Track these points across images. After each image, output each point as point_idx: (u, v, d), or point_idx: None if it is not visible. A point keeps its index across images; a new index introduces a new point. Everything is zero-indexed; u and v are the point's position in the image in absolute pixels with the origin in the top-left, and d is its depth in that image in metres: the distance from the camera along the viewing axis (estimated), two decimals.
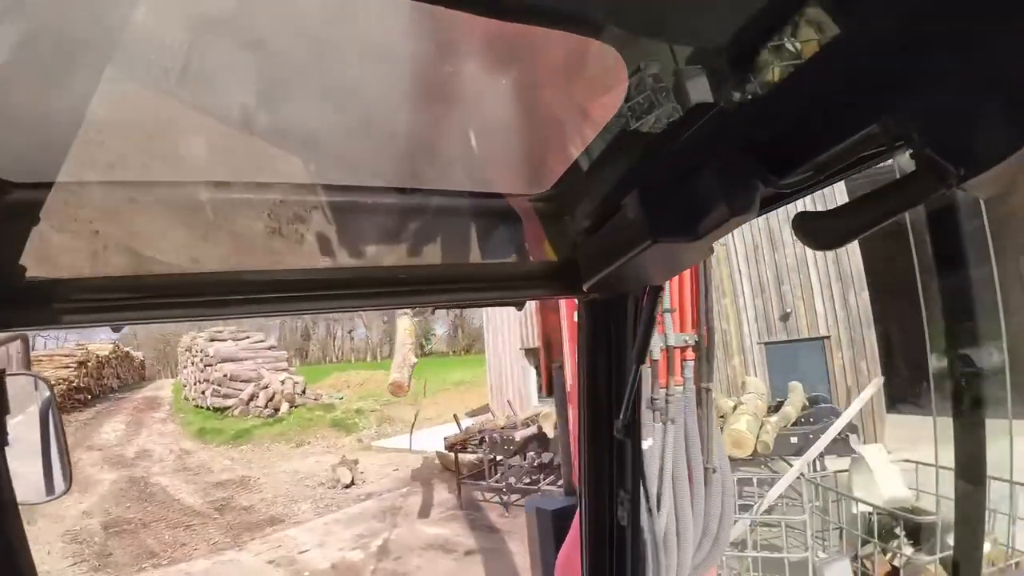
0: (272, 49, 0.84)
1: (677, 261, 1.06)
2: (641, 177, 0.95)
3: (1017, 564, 4.20)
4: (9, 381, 1.08)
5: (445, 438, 11.49)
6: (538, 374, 14.83)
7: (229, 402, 19.59)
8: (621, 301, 1.33)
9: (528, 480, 10.21)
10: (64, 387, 19.79)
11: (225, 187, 1.07)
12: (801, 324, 10.86)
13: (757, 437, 6.92)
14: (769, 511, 6.14)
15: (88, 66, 0.78)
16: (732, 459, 6.95)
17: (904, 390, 10.95)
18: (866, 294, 10.22)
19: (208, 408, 20.02)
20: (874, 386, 7.43)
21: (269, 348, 22.95)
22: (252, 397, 19.40)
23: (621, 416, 1.37)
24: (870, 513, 5.14)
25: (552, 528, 2.77)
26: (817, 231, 0.75)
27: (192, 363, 21.69)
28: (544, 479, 10.25)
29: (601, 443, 1.45)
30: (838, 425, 6.69)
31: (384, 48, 0.86)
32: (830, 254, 9.98)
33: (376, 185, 1.18)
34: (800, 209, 0.77)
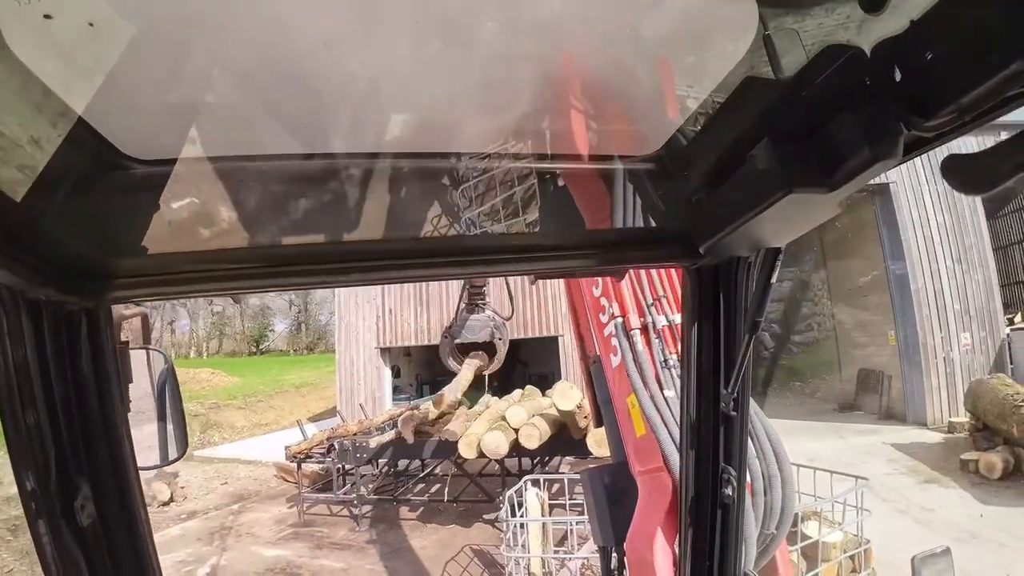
0: (376, 17, 0.85)
1: (805, 217, 0.98)
2: (768, 127, 0.87)
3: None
4: (132, 354, 1.17)
5: (287, 447, 10.40)
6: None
7: None
8: (731, 266, 1.27)
9: (387, 488, 9.65)
10: None
11: (330, 158, 1.10)
12: None
13: None
14: None
15: (202, 53, 0.85)
16: (596, 458, 7.21)
17: None
18: None
19: None
20: None
21: None
22: None
23: (729, 388, 1.34)
24: None
25: (602, 486, 2.84)
26: (969, 173, 0.72)
27: None
28: (399, 487, 9.75)
29: (706, 417, 1.41)
30: None
31: (489, 9, 0.87)
32: None
33: (473, 151, 1.18)
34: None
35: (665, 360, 2.49)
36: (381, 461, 9.72)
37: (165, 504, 10.70)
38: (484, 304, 3.65)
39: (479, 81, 1.02)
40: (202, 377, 22.40)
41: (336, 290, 15.05)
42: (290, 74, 0.93)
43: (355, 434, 10.07)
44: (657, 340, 2.53)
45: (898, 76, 0.75)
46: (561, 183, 1.27)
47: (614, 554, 2.82)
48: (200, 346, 40.86)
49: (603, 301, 2.74)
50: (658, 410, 2.38)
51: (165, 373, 1.36)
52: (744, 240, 1.11)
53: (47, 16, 0.69)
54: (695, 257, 1.21)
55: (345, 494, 9.60)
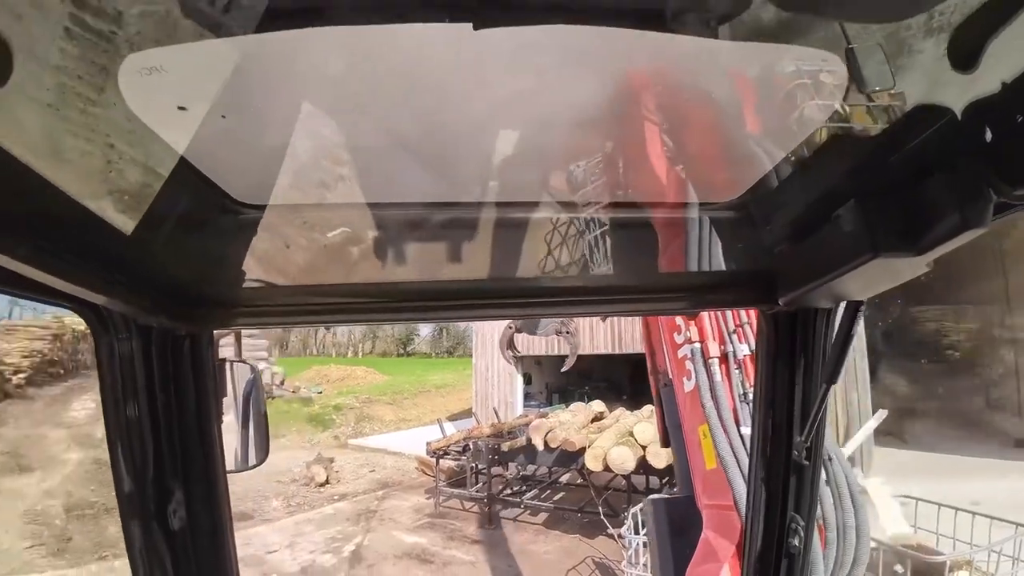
0: (456, 75, 0.89)
1: (889, 276, 0.96)
2: (855, 185, 0.88)
3: None
4: (226, 368, 1.29)
5: (428, 443, 11.17)
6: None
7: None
8: (811, 314, 1.26)
9: (510, 492, 9.94)
10: (37, 360, 18.96)
11: (420, 207, 1.17)
12: None
13: None
14: None
15: (299, 107, 0.91)
16: None
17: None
18: None
19: None
20: (877, 418, 7.28)
21: (249, 336, 22.40)
22: None
23: (803, 437, 1.31)
24: (874, 549, 4.96)
25: (666, 517, 2.86)
26: None
27: None
28: (527, 492, 9.97)
29: (777, 464, 1.39)
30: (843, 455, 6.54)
31: (574, 59, 0.88)
32: None
33: (557, 200, 1.21)
34: None
35: (744, 394, 2.32)
36: (512, 464, 10.02)
37: (320, 485, 12.00)
38: None
39: (569, 129, 1.05)
40: (358, 374, 24.83)
41: None
42: (389, 128, 1.00)
43: (488, 436, 10.53)
44: (737, 371, 2.36)
45: (989, 138, 0.73)
46: (640, 227, 1.30)
47: None
48: (356, 347, 45.35)
49: (679, 321, 2.60)
50: (732, 447, 2.24)
51: (251, 384, 1.45)
52: (826, 294, 1.10)
53: (158, 69, 0.74)
54: (770, 304, 1.21)
55: (477, 492, 10.04)
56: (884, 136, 0.83)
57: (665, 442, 3.35)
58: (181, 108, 0.81)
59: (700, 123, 1.06)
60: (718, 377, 2.38)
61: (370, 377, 24.22)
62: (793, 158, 1.01)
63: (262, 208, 1.06)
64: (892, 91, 0.79)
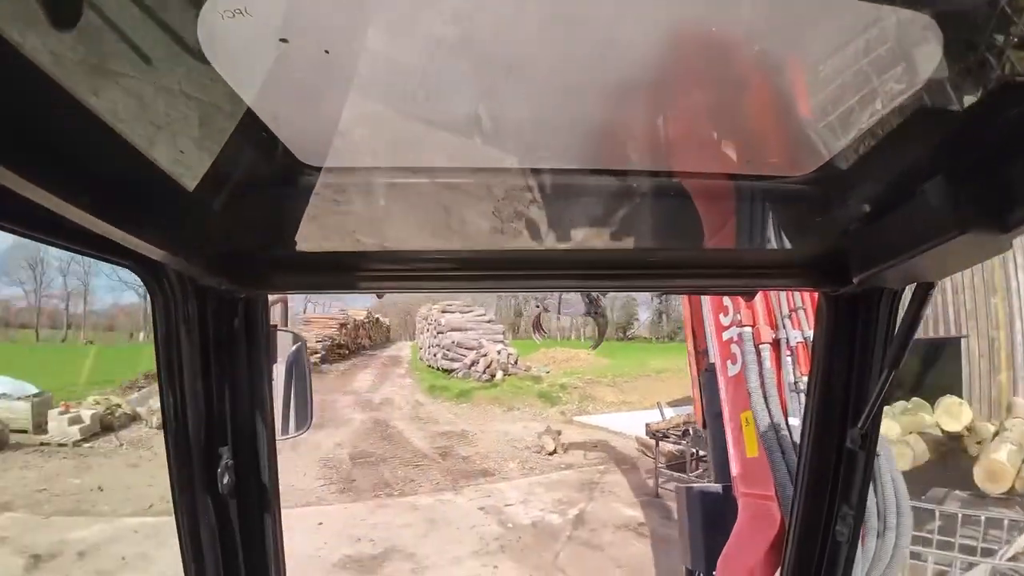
0: (522, 36, 0.86)
1: (971, 255, 0.93)
2: (942, 161, 0.85)
3: None
4: (277, 336, 1.29)
5: (647, 424, 11.49)
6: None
7: (455, 365, 22.37)
8: (876, 298, 1.21)
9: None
10: (329, 343, 24.66)
11: (465, 173, 1.14)
12: None
13: (1018, 472, 5.60)
14: (1015, 558, 4.97)
15: (379, 72, 0.90)
16: (983, 496, 5.76)
17: None
18: None
19: (438, 368, 23.11)
20: None
21: (488, 321, 25.42)
22: (473, 363, 21.92)
23: (860, 424, 1.26)
24: None
25: (700, 509, 2.74)
26: None
27: (427, 330, 25.10)
28: None
29: (828, 451, 1.34)
30: None
31: (640, 17, 0.83)
32: None
33: (619, 168, 1.16)
34: None
35: (795, 383, 2.17)
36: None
37: (550, 454, 13.23)
38: None
39: (637, 96, 0.98)
40: (581, 356, 26.04)
41: None
42: (458, 93, 0.96)
43: None
44: (789, 358, 2.20)
45: None
46: (705, 200, 1.23)
47: None
48: (579, 331, 47.29)
49: (726, 301, 2.45)
50: (778, 437, 2.10)
51: (296, 353, 1.45)
52: (901, 273, 1.06)
53: (242, 13, 0.70)
54: (838, 285, 1.18)
55: (696, 478, 10.05)
56: (973, 110, 0.80)
57: (704, 422, 3.25)
58: (282, 40, 0.77)
59: (774, 91, 0.98)
60: (768, 364, 2.23)
61: (592, 360, 25.22)
62: (875, 131, 0.94)
63: (326, 171, 1.05)
64: (985, 66, 0.76)
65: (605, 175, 1.17)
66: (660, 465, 10.84)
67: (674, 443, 11.06)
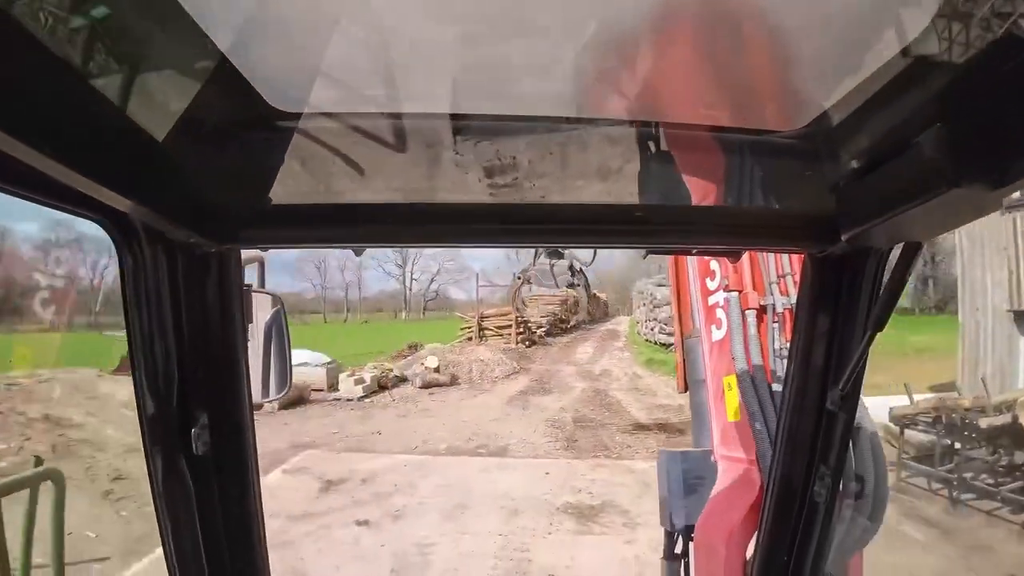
0: None
1: (962, 212, 0.90)
2: (935, 114, 0.82)
3: None
4: (253, 297, 1.24)
5: (891, 409, 10.21)
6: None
7: (672, 339, 22.17)
8: (862, 258, 1.19)
9: (991, 481, 8.23)
10: (552, 318, 26.71)
11: (446, 120, 1.09)
12: None
13: None
14: None
15: (354, 8, 0.83)
16: None
17: None
18: None
19: (655, 342, 23.14)
20: None
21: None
22: None
23: (840, 385, 1.25)
24: None
25: (680, 472, 2.70)
26: None
27: (643, 304, 25.32)
28: (1009, 484, 8.04)
29: (808, 411, 1.34)
30: None
31: None
32: None
33: (607, 118, 1.12)
34: None
35: (779, 349, 2.08)
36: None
37: None
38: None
39: (618, 42, 0.92)
40: None
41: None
42: (435, 36, 0.90)
43: (967, 409, 8.92)
44: (775, 325, 2.09)
45: None
46: (687, 154, 1.20)
47: (679, 539, 2.63)
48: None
49: (713, 265, 2.31)
50: (760, 402, 2.01)
51: (275, 315, 1.42)
52: (891, 231, 1.04)
53: None
54: (826, 244, 1.15)
55: (948, 472, 8.75)
56: (970, 63, 0.78)
57: (684, 388, 3.13)
58: None
59: (766, 40, 0.92)
60: (753, 330, 2.12)
61: None
62: (870, 84, 0.91)
63: (300, 117, 1.00)
64: (982, 18, 0.75)
65: (588, 124, 1.14)
66: (905, 456, 9.61)
67: (923, 431, 9.66)
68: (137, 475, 10.18)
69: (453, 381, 18.60)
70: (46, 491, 4.47)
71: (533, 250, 2.34)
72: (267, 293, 1.44)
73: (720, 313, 2.40)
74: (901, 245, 1.09)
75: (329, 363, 18.19)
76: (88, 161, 0.72)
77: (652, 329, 23.74)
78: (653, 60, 0.97)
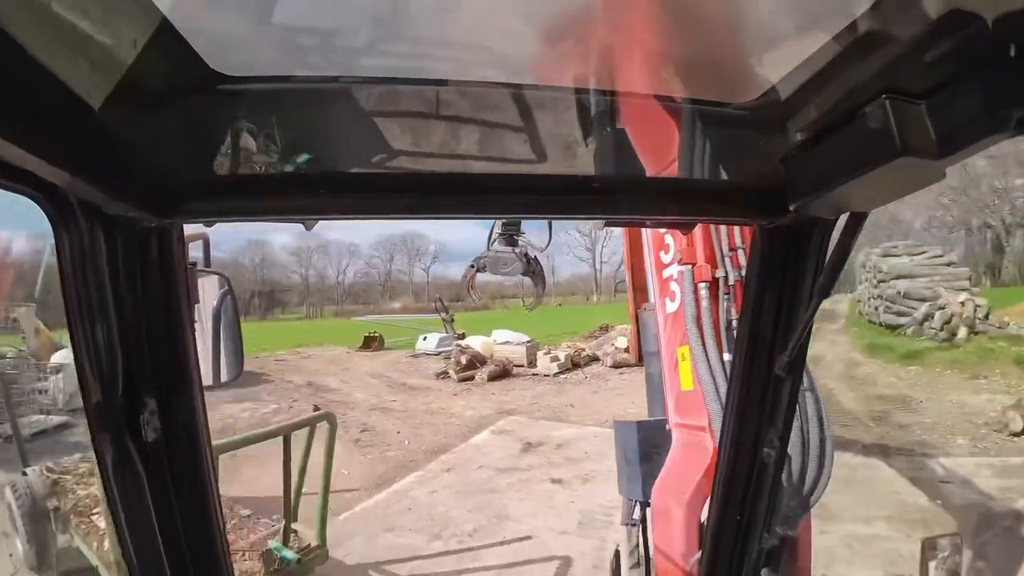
0: None
1: (907, 183, 0.92)
2: (882, 86, 0.84)
3: None
4: (198, 277, 1.18)
5: None
6: None
7: (901, 320, 18.93)
8: (809, 230, 1.21)
9: None
10: None
11: (407, 84, 1.05)
12: None
13: None
14: None
15: None
16: None
17: None
18: None
19: (880, 324, 20.31)
20: None
21: (948, 264, 20.52)
22: (926, 317, 18.23)
23: (787, 353, 1.30)
24: None
25: (636, 441, 2.76)
26: None
27: (865, 279, 22.23)
28: None
29: (757, 377, 1.38)
30: None
31: None
32: None
33: (548, 84, 1.10)
34: None
35: (730, 322, 2.10)
36: None
37: (1015, 435, 10.43)
38: (519, 235, 2.78)
39: (571, 9, 0.91)
40: None
41: None
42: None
43: None
44: (726, 297, 2.12)
45: (1015, 50, 0.72)
46: (639, 124, 1.14)
47: (637, 507, 2.66)
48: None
49: (668, 239, 2.34)
50: (712, 374, 2.06)
51: (224, 296, 1.35)
52: (837, 202, 1.05)
53: None
54: (775, 215, 1.16)
55: None
56: (916, 37, 0.79)
57: (639, 360, 2.99)
58: None
59: (716, 11, 0.93)
60: (706, 302, 2.16)
61: None
62: (820, 55, 0.91)
63: (246, 81, 0.95)
64: None
65: (540, 92, 1.12)
66: None
67: None
68: (379, 428, 12.88)
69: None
70: (319, 432, 5.46)
71: (487, 236, 2.34)
72: (214, 273, 1.38)
73: (674, 286, 2.44)
74: (847, 216, 1.12)
75: (528, 342, 20.91)
76: (18, 131, 0.69)
77: (876, 308, 20.59)
78: (605, 28, 0.97)
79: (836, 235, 1.18)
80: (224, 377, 1.42)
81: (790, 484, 2.01)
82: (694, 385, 2.29)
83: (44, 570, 5.64)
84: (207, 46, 0.86)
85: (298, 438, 5.09)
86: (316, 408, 5.84)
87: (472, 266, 3.06)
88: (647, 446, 2.73)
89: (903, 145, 0.81)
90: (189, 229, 1.14)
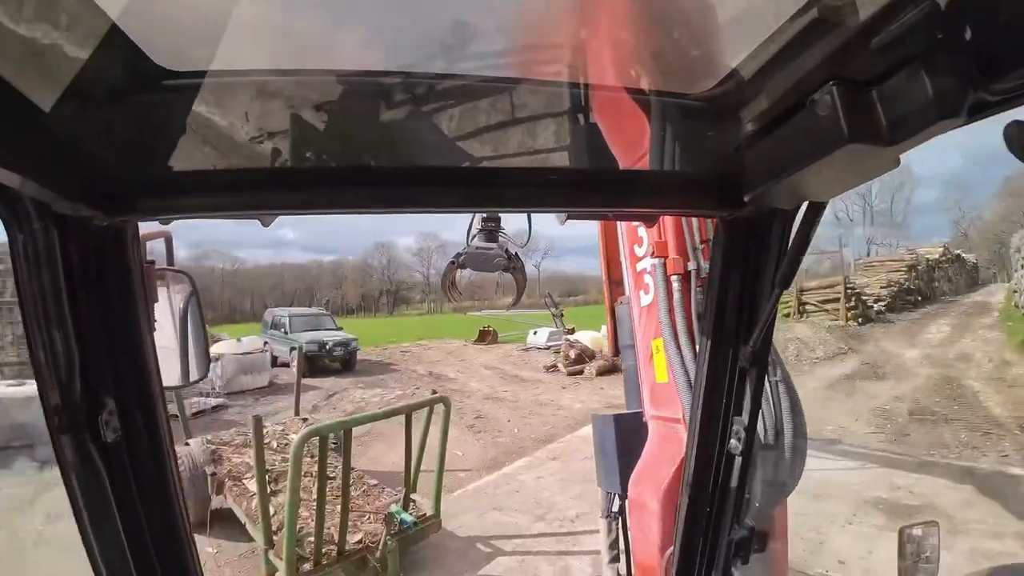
0: None
1: (859, 171, 0.92)
2: (831, 73, 0.84)
3: None
4: (158, 275, 1.18)
5: None
6: None
7: None
8: (769, 219, 1.23)
9: None
10: (895, 289, 22.73)
11: (370, 76, 1.05)
12: None
13: None
14: None
15: None
16: None
17: None
18: None
19: None
20: None
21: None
22: None
23: (751, 343, 1.32)
24: None
25: (613, 433, 2.80)
26: None
27: (1023, 265, 19.62)
28: None
29: (722, 369, 1.40)
30: None
31: None
32: None
33: (507, 75, 1.11)
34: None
35: (702, 314, 2.03)
36: None
37: None
38: (499, 230, 2.70)
39: (531, 1, 0.91)
40: None
41: None
42: None
43: None
44: (698, 289, 2.16)
45: (969, 35, 0.72)
46: (598, 117, 1.18)
47: (616, 499, 2.72)
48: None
49: (641, 232, 2.37)
50: (685, 366, 2.12)
51: (189, 296, 1.33)
52: (792, 191, 1.06)
53: None
54: (736, 207, 1.16)
55: None
56: (866, 25, 0.78)
57: (616, 351, 3.17)
58: None
59: (670, 7, 0.94)
60: (678, 295, 2.22)
61: None
62: (772, 43, 0.91)
63: (196, 76, 0.94)
64: None
65: (496, 83, 1.12)
66: None
67: None
68: (491, 416, 13.81)
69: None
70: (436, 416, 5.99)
71: (467, 232, 2.40)
72: (177, 271, 1.37)
73: (648, 279, 2.47)
74: (805, 205, 1.12)
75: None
76: None
77: None
78: (566, 18, 0.98)
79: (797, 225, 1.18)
80: (192, 376, 1.42)
81: (764, 474, 2.00)
82: (668, 377, 2.33)
83: (200, 526, 6.46)
84: (154, 43, 0.86)
85: (418, 420, 5.65)
86: (434, 392, 6.67)
87: (453, 262, 2.97)
88: (625, 439, 2.76)
89: (851, 132, 0.80)
90: (150, 228, 1.14)
